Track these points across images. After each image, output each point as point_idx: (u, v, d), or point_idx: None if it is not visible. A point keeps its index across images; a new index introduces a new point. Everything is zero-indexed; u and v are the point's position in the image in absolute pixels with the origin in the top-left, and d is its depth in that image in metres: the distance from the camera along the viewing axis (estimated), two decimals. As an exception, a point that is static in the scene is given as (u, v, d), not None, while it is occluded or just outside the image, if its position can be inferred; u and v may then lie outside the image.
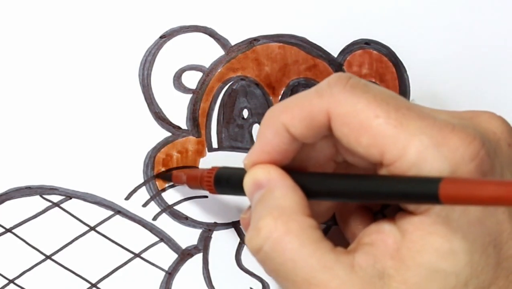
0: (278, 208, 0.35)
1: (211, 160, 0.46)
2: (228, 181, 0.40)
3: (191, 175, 0.43)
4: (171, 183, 0.45)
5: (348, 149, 0.35)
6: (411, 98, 0.35)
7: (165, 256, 0.46)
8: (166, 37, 0.46)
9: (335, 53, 0.47)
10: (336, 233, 0.42)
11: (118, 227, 0.45)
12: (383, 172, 0.34)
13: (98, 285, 0.45)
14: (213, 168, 0.41)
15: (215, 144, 0.46)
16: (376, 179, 0.34)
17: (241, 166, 0.46)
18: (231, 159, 0.46)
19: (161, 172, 0.45)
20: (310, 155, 0.38)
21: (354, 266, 0.34)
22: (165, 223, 0.45)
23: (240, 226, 0.46)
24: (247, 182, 0.38)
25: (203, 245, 0.46)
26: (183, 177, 0.44)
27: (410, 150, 0.33)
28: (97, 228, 0.45)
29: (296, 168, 0.37)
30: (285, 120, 0.36)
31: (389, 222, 0.35)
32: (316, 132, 0.36)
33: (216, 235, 0.46)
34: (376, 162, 0.34)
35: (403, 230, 0.34)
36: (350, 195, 0.35)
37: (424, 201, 0.33)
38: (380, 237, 0.35)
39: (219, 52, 0.46)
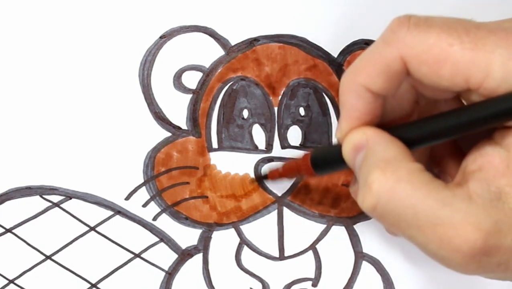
0: (383, 160, 0.35)
1: (211, 160, 0.46)
2: (325, 160, 0.40)
3: (286, 167, 0.43)
4: (171, 184, 0.45)
5: (432, 86, 0.35)
6: (469, 17, 0.35)
7: (165, 256, 0.46)
8: (166, 37, 0.46)
9: (335, 53, 0.47)
10: None
11: (118, 227, 0.45)
12: (474, 97, 0.34)
13: (98, 285, 0.45)
14: (306, 154, 0.41)
15: (215, 144, 0.46)
16: (473, 107, 0.34)
17: (245, 166, 0.46)
18: (231, 159, 0.46)
19: (257, 177, 0.45)
20: (395, 108, 0.38)
21: (472, 196, 0.33)
22: (165, 223, 0.45)
23: (240, 226, 0.46)
24: (346, 150, 0.37)
25: (203, 245, 0.46)
26: (278, 172, 0.44)
27: (494, 67, 0.33)
28: (97, 228, 0.45)
29: (386, 124, 0.37)
30: (362, 80, 0.36)
31: (489, 144, 0.35)
32: (395, 82, 0.36)
33: (216, 235, 0.46)
34: (463, 89, 0.34)
35: (506, 146, 0.34)
36: (451, 131, 0.35)
37: None
38: (486, 160, 0.34)
39: (219, 52, 0.46)
